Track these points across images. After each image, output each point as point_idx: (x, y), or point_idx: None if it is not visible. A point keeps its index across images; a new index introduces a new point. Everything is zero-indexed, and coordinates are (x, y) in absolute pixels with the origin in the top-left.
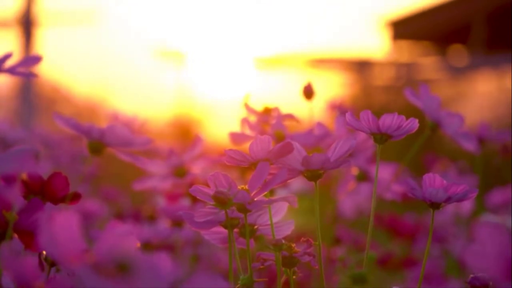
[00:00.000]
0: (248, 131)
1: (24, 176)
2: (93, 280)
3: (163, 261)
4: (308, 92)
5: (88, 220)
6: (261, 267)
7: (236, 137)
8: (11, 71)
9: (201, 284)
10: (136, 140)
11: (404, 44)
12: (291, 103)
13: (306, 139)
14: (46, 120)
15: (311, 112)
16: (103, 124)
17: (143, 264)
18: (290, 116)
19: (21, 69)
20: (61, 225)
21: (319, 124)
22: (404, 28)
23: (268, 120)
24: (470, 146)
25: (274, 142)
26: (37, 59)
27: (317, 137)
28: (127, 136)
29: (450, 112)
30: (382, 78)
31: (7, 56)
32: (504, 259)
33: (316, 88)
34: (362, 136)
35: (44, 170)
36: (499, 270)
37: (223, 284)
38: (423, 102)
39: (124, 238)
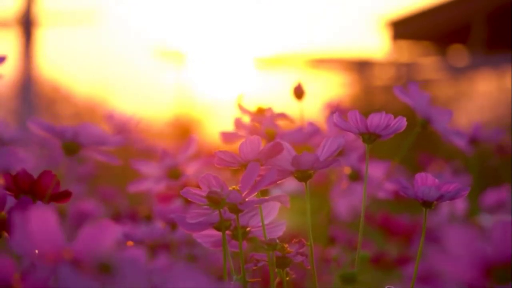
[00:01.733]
0: (241, 131)
1: (9, 175)
2: (71, 277)
3: (139, 256)
4: (299, 92)
5: (84, 220)
6: (255, 267)
7: (227, 136)
8: None
9: (181, 280)
10: (110, 139)
11: (404, 44)
12: (291, 103)
13: (295, 136)
14: (45, 120)
15: (301, 112)
16: (104, 123)
17: (120, 260)
18: (283, 116)
19: None
20: (37, 223)
21: (310, 123)
22: (404, 28)
23: (261, 120)
24: (461, 143)
25: (265, 141)
26: (1, 60)
27: (306, 134)
28: (101, 135)
29: (440, 109)
30: (382, 78)
31: None
32: (477, 259)
33: (307, 88)
34: (351, 134)
35: (42, 169)
36: (473, 271)
37: (202, 280)
38: (413, 100)
39: (102, 234)
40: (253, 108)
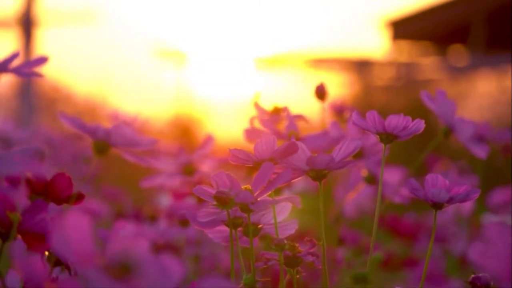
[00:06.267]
0: (259, 131)
1: (29, 176)
2: (104, 282)
3: (172, 263)
4: (321, 93)
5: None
6: (264, 266)
7: (251, 134)
8: (17, 71)
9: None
10: (142, 141)
11: (404, 44)
12: (291, 103)
13: (319, 141)
14: (46, 120)
15: (323, 113)
16: (104, 123)
17: (152, 266)
18: (300, 117)
19: (25, 69)
20: (72, 226)
21: (334, 124)
22: (404, 28)
23: (278, 120)
24: (481, 153)
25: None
26: (43, 60)
27: (331, 139)
28: (133, 137)
29: (463, 119)
30: (382, 78)
31: (14, 56)
32: None
33: (328, 88)
34: (372, 138)
35: (47, 170)
36: (507, 270)
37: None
38: (438, 107)
39: (135, 240)
40: (269, 107)
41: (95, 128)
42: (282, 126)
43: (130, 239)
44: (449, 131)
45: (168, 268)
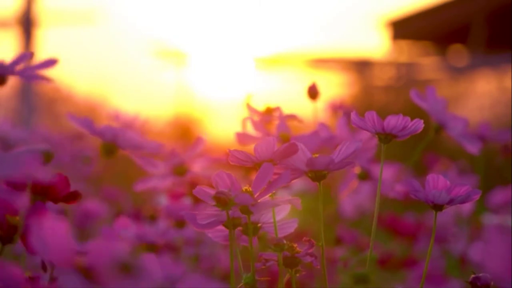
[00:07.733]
0: (250, 131)
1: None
2: (77, 283)
3: (152, 262)
4: (313, 93)
5: (88, 220)
6: (263, 267)
7: (242, 138)
8: (23, 74)
9: (194, 285)
10: (147, 144)
11: (404, 44)
12: (291, 103)
13: (310, 141)
14: (46, 120)
15: (315, 113)
16: (105, 124)
17: (133, 266)
18: (293, 117)
19: (33, 72)
20: (49, 229)
21: (322, 126)
22: (404, 28)
23: (270, 120)
24: (473, 149)
25: (278, 143)
26: (52, 62)
27: (322, 139)
28: (138, 140)
29: (455, 115)
30: (382, 78)
31: (23, 57)
32: None
33: (320, 88)
34: (365, 136)
35: (47, 170)
36: (507, 270)
37: (215, 285)
38: (429, 104)
39: (116, 241)
40: (261, 107)
41: (103, 130)
42: (274, 126)
43: (111, 239)
44: (441, 128)
45: (150, 269)
